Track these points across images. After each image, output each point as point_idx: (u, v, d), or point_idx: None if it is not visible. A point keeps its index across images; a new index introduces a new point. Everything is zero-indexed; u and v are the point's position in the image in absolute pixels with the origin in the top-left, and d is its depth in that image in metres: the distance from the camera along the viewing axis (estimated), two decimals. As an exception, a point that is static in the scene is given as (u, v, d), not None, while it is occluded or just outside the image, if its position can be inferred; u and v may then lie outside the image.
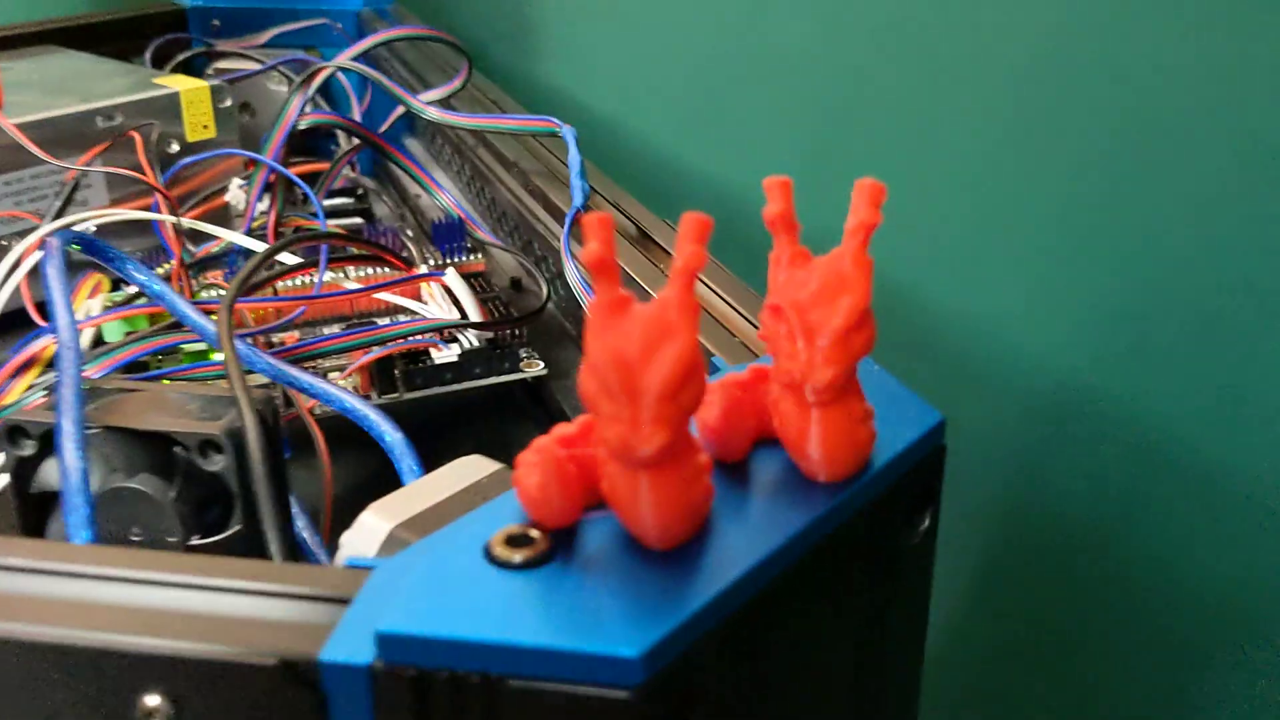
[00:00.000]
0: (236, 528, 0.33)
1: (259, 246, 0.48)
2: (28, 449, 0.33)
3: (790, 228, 0.23)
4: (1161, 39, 0.40)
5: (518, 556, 0.21)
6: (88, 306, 0.45)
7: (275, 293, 0.48)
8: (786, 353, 0.23)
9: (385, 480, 0.35)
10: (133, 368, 0.43)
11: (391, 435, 0.35)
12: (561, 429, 0.23)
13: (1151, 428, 0.48)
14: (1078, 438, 0.52)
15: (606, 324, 0.21)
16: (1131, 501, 0.50)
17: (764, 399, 0.25)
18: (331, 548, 0.33)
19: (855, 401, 0.23)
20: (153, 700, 0.20)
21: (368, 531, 0.29)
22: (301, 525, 0.35)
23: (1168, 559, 0.49)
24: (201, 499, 0.33)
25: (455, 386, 0.46)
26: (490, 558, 0.21)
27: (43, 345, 0.41)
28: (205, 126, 0.56)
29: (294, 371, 0.38)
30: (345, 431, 0.41)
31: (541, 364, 0.47)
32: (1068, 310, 0.51)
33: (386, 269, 0.50)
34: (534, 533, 0.22)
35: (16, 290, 0.42)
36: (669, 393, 0.20)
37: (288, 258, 0.48)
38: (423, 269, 0.50)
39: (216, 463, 0.32)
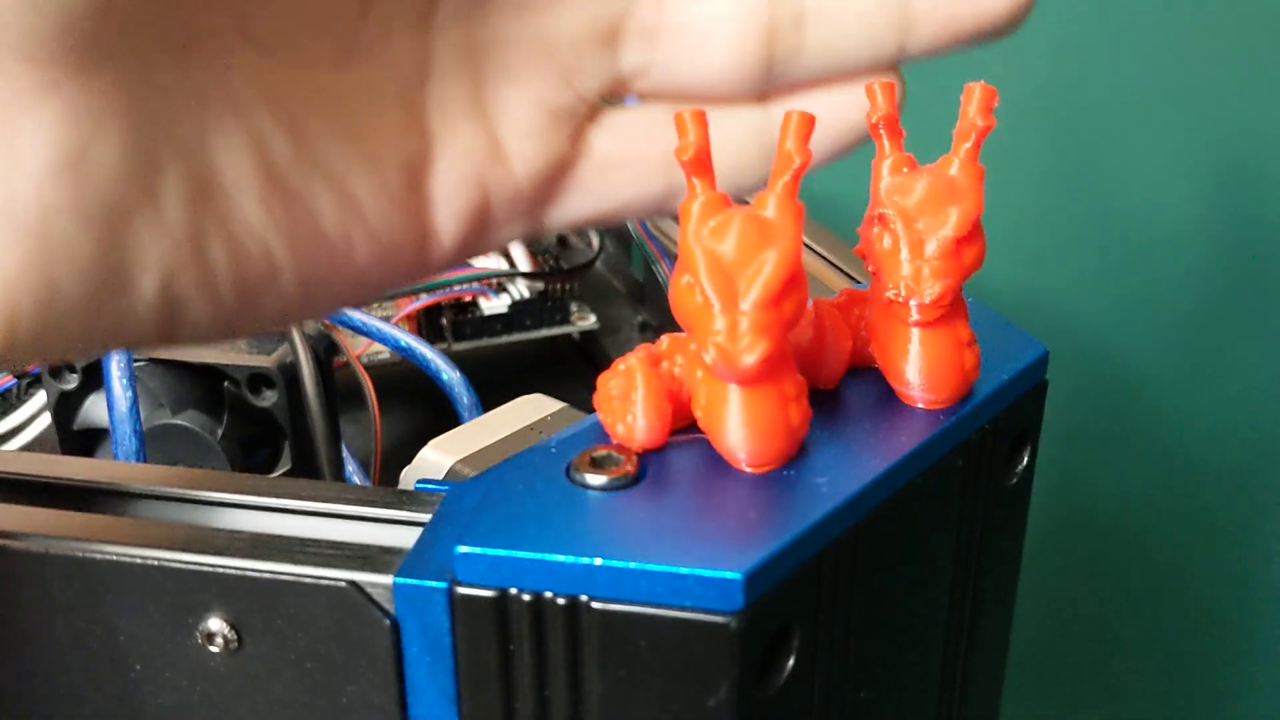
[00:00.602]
0: (286, 468, 0.32)
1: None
2: (71, 382, 0.32)
3: (894, 131, 0.21)
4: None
5: (603, 477, 0.20)
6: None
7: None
8: (890, 266, 0.21)
9: (434, 434, 0.34)
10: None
11: (449, 374, 0.33)
12: (646, 348, 0.21)
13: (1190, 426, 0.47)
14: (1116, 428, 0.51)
15: (703, 223, 0.19)
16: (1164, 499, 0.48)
17: (858, 323, 0.23)
18: (384, 491, 0.32)
19: (961, 323, 0.22)
20: (216, 623, 0.19)
21: (428, 466, 0.28)
22: (352, 469, 0.34)
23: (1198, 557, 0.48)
24: (250, 437, 0.32)
25: (505, 338, 0.44)
26: (573, 479, 0.20)
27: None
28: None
29: (346, 309, 0.36)
30: (391, 386, 0.40)
31: (593, 317, 0.45)
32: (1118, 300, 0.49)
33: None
34: (619, 454, 0.20)
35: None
36: (771, 299, 0.19)
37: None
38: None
39: (268, 398, 0.31)
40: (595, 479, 0.20)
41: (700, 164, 0.19)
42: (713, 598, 0.18)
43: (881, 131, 0.21)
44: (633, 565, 0.18)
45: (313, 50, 0.20)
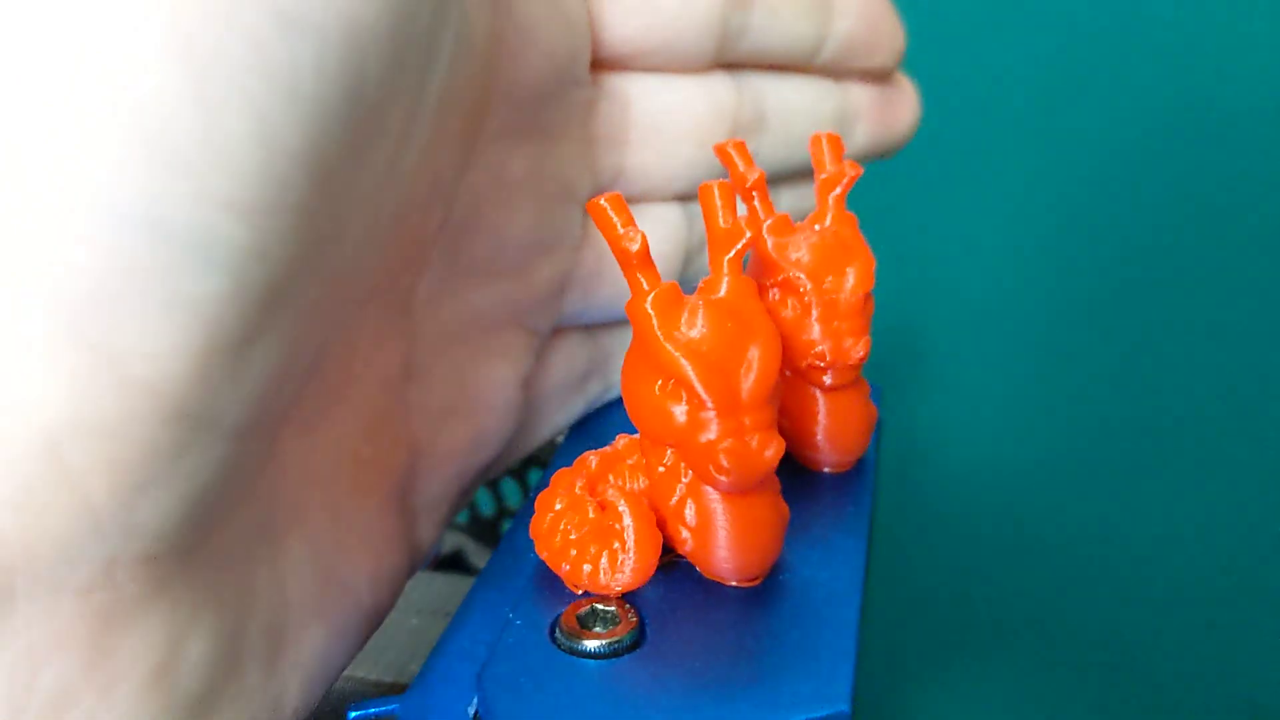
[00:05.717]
0: None
1: None
2: None
3: (764, 190, 0.20)
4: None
5: (601, 642, 0.16)
6: None
7: None
8: (798, 332, 0.20)
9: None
10: None
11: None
12: (582, 468, 0.18)
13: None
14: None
15: (670, 318, 0.16)
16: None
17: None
18: None
19: (862, 382, 0.21)
20: None
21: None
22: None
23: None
24: None
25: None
26: (573, 649, 0.16)
27: None
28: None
29: None
30: None
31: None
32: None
33: None
34: (603, 605, 0.17)
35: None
36: (767, 394, 0.17)
37: None
38: None
39: None
40: (597, 644, 0.16)
41: (645, 257, 0.17)
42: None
43: (754, 192, 0.20)
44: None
45: (336, 408, 0.17)
